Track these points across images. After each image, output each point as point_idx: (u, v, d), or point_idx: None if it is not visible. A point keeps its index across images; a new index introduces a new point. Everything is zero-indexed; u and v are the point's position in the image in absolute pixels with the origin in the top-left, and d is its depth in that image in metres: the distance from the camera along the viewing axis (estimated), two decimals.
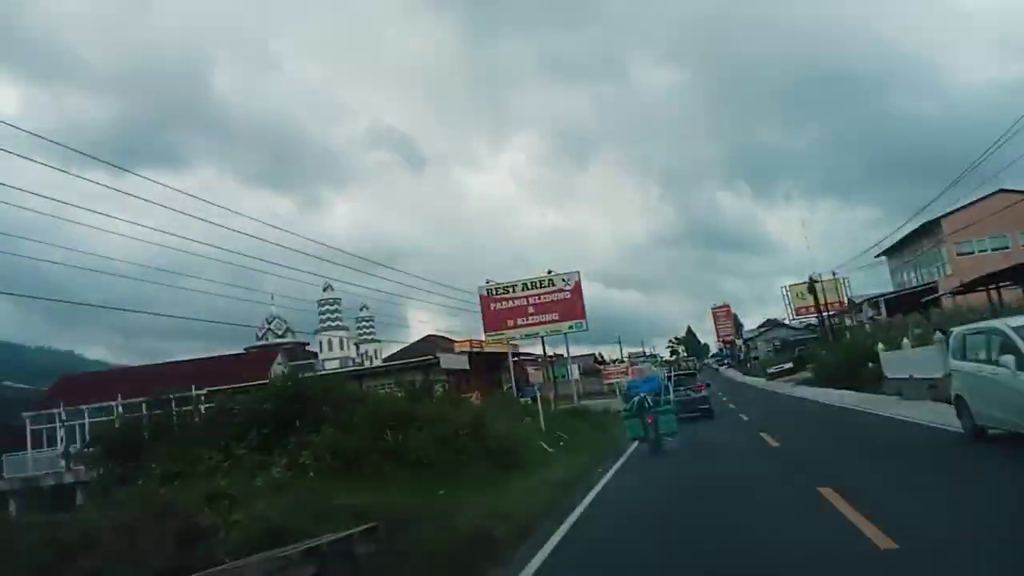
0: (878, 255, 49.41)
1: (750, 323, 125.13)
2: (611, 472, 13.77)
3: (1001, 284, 26.08)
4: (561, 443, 18.28)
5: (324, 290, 57.84)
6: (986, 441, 10.20)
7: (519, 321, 34.81)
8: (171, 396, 20.37)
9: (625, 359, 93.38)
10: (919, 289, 40.80)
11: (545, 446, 16.64)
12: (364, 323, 66.81)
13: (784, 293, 66.76)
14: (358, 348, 65.63)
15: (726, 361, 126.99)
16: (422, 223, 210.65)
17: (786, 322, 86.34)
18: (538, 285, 34.79)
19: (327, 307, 58.21)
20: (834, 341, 45.07)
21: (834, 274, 51.56)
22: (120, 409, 34.09)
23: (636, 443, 18.19)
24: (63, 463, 33.04)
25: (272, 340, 61.67)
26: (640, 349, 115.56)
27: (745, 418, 23.65)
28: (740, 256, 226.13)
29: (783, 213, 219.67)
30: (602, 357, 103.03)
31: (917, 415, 15.50)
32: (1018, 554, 5.04)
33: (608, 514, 9.59)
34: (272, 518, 8.67)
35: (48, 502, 29.00)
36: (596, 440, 19.72)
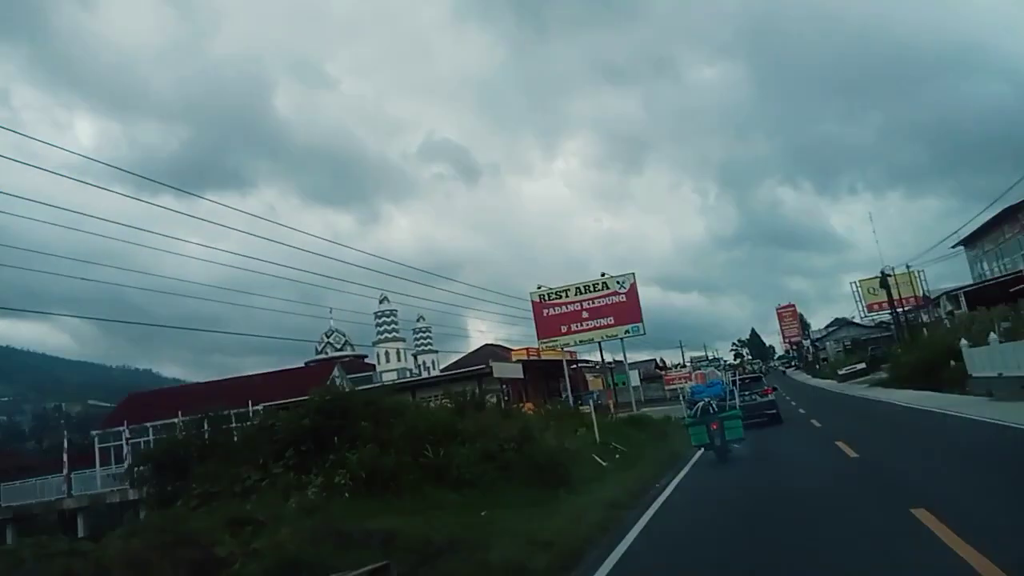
0: (955, 245, 46.39)
1: (817, 323, 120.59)
2: (670, 488, 12.63)
3: None
4: (617, 455, 17.16)
5: (380, 302, 57.88)
6: None
7: (573, 327, 33.85)
8: (219, 413, 20.06)
9: (687, 364, 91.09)
10: (1006, 279, 37.84)
11: (599, 459, 15.57)
12: (421, 334, 66.73)
13: (855, 289, 63.57)
14: (416, 359, 65.55)
15: (793, 363, 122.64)
16: (478, 233, 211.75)
17: (856, 320, 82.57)
18: (592, 288, 33.74)
19: (384, 319, 58.17)
20: (910, 339, 42.40)
21: (908, 267, 48.68)
22: (181, 426, 34.44)
23: (698, 455, 17.15)
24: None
25: (331, 354, 62.14)
26: (702, 353, 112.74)
27: (817, 424, 21.98)
28: (804, 254, 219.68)
29: (848, 207, 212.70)
30: (663, 362, 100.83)
31: (1015, 418, 13.88)
32: None
33: (664, 540, 8.53)
34: (290, 548, 7.96)
35: (115, 519, 29.41)
36: (655, 451, 18.51)
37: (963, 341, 25.56)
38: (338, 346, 62.23)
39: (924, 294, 51.93)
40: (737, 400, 17.07)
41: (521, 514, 10.64)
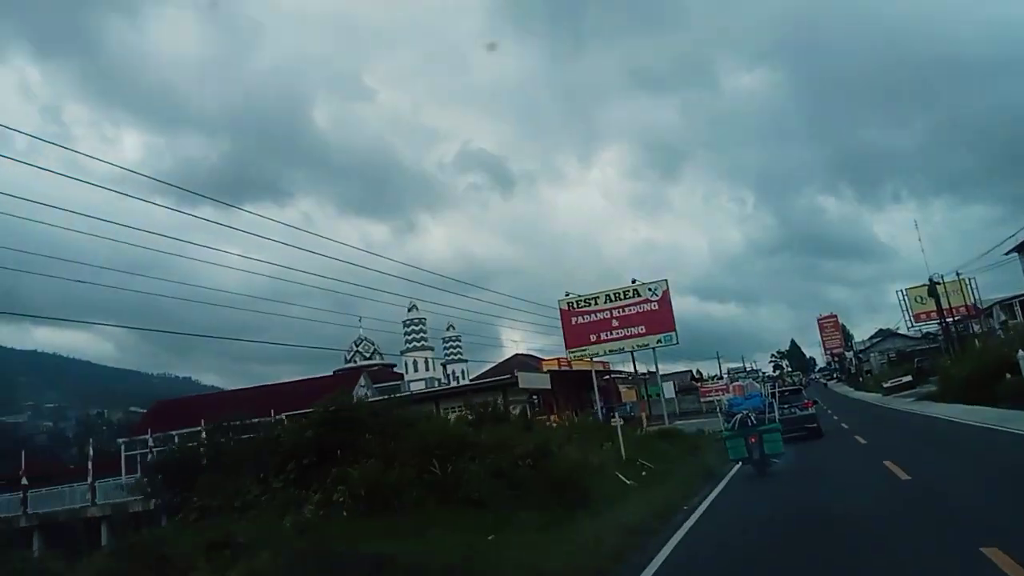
0: (1008, 252, 44.00)
1: (860, 334, 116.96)
2: (699, 510, 11.50)
3: None
4: (644, 472, 16.02)
5: (409, 310, 57.28)
6: None
7: (603, 335, 32.66)
8: (230, 423, 19.42)
9: (724, 375, 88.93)
10: None
11: (622, 477, 14.45)
12: (451, 343, 66.02)
13: (901, 298, 60.80)
14: (445, 368, 64.82)
15: (835, 375, 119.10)
16: (513, 243, 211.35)
17: (900, 331, 79.66)
18: (622, 296, 32.54)
19: (412, 327, 57.56)
20: (961, 350, 40.28)
21: (958, 275, 46.25)
22: (204, 435, 34.15)
23: (730, 473, 16.10)
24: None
25: (360, 363, 61.74)
26: (740, 364, 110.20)
27: (862, 441, 20.50)
28: (846, 263, 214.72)
29: (891, 215, 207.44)
30: (700, 374, 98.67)
31: None
32: None
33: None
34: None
35: (134, 527, 29.07)
36: (685, 468, 17.28)
37: (1020, 352, 23.91)
38: (367, 355, 61.81)
39: (975, 303, 49.43)
40: (777, 413, 16.49)
41: (531, 539, 9.64)
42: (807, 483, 13.44)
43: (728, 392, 56.81)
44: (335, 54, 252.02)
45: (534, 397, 53.65)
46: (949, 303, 44.29)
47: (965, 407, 26.63)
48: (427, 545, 9.44)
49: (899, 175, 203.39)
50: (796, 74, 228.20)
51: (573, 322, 32.66)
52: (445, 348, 66.36)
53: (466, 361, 65.58)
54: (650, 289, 32.06)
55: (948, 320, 44.98)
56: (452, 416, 22.54)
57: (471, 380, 51.35)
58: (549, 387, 37.31)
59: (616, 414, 53.96)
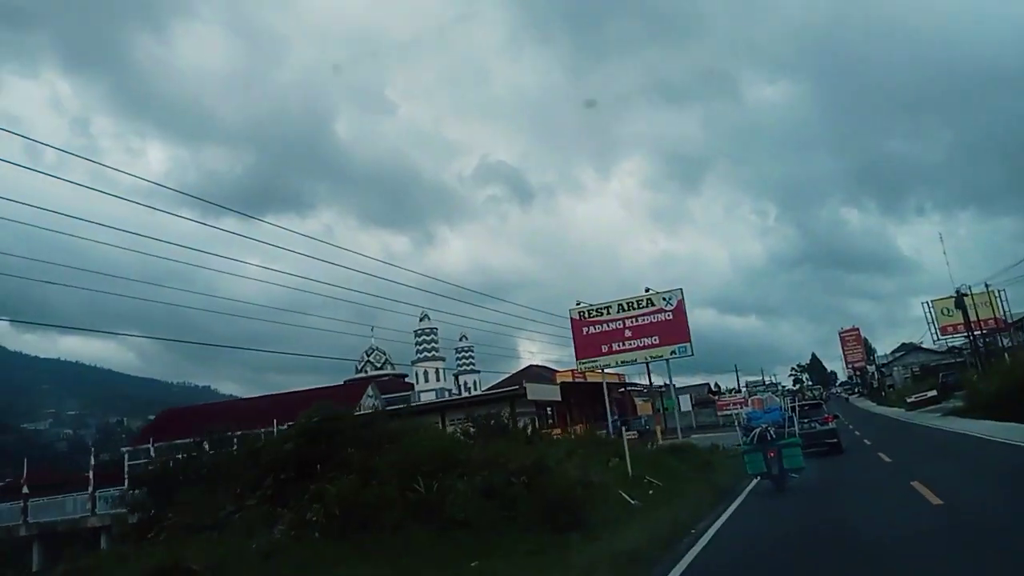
0: None
1: (882, 348, 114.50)
2: (707, 535, 10.47)
3: None
4: (651, 491, 14.95)
5: (421, 320, 56.68)
6: None
7: (615, 346, 31.60)
8: (221, 434, 18.67)
9: (742, 388, 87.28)
10: None
11: (626, 496, 13.40)
12: (463, 353, 65.25)
13: (927, 310, 58.86)
14: (457, 379, 64.01)
15: (856, 389, 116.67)
16: (531, 254, 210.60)
17: (924, 346, 77.62)
18: (635, 305, 31.48)
19: (423, 337, 56.97)
20: (990, 364, 38.69)
21: (987, 287, 44.57)
22: (206, 446, 33.49)
23: (744, 493, 15.06)
24: None
25: (371, 372, 61.12)
26: (759, 378, 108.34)
27: (887, 459, 19.25)
28: (868, 276, 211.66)
29: (916, 228, 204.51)
30: (718, 387, 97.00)
31: None
32: None
33: None
34: None
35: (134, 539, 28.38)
36: (696, 486, 16.17)
37: None
38: (378, 365, 61.24)
39: (1005, 316, 47.63)
40: (796, 427, 15.84)
41: (518, 566, 8.71)
42: (826, 507, 12.32)
43: (747, 405, 55.37)
44: (358, 69, 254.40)
45: (548, 409, 52.63)
46: (977, 315, 42.69)
47: (995, 424, 25.26)
48: (402, 573, 8.53)
49: (923, 187, 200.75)
50: (819, 85, 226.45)
51: (584, 332, 31.64)
52: (458, 359, 65.62)
53: (478, 372, 64.82)
54: (664, 298, 30.97)
55: (976, 333, 43.35)
56: (455, 429, 21.64)
57: (483, 391, 50.45)
58: (559, 399, 36.23)
59: (629, 427, 52.68)
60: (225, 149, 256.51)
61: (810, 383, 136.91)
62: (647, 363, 34.18)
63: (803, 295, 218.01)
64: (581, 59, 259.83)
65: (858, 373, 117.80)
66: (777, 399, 58.20)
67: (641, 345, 30.88)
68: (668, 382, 34.62)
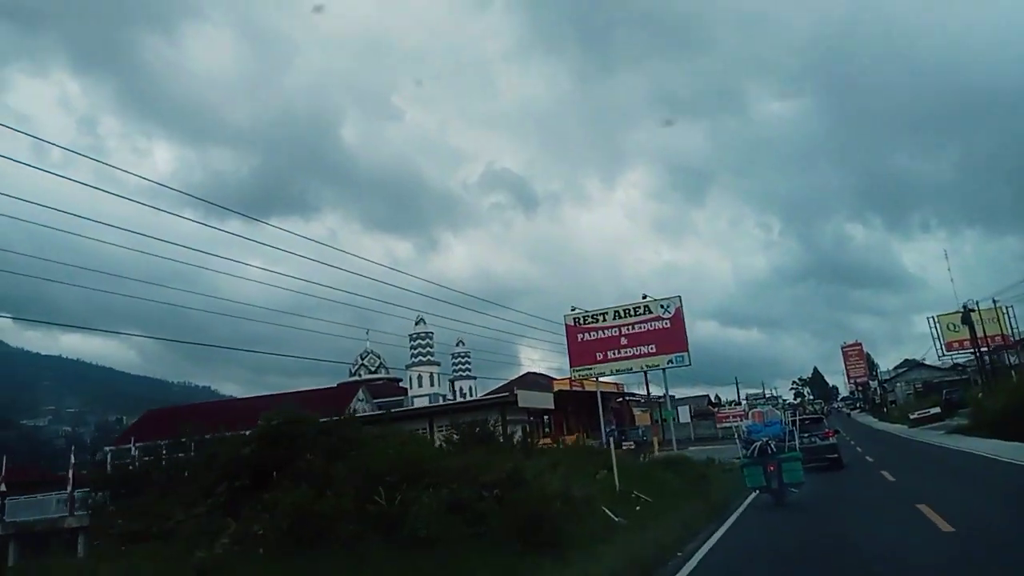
0: None
1: (884, 364, 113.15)
2: (696, 558, 9.59)
3: None
4: (638, 507, 14.02)
5: (416, 323, 55.69)
6: None
7: (610, 354, 30.63)
8: (191, 436, 17.77)
9: (742, 401, 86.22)
10: None
11: (609, 513, 12.46)
12: (459, 359, 64.20)
13: (932, 325, 57.65)
14: (452, 385, 62.98)
15: (858, 405, 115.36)
16: (535, 262, 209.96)
17: (927, 362, 76.58)
18: (632, 312, 30.53)
19: (418, 341, 55.93)
20: (996, 382, 37.66)
21: (995, 303, 43.48)
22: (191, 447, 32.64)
23: (740, 510, 14.17)
24: None
25: (364, 376, 60.19)
26: (760, 391, 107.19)
27: (890, 478, 18.26)
28: (872, 292, 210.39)
29: (920, 245, 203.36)
30: (718, 399, 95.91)
31: None
32: None
33: None
34: None
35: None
36: (688, 503, 15.19)
37: None
38: (372, 368, 60.33)
39: (1012, 333, 46.49)
40: (797, 441, 15.63)
41: None
42: (826, 532, 11.35)
43: (747, 418, 54.30)
44: (365, 74, 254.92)
45: (546, 417, 51.57)
46: (984, 332, 41.64)
47: (1002, 443, 24.28)
48: None
49: (929, 204, 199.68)
50: (826, 101, 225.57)
51: (579, 339, 30.71)
52: (454, 364, 64.54)
53: (474, 378, 63.71)
54: (662, 306, 30.05)
55: (982, 349, 42.29)
56: (441, 436, 20.73)
57: (474, 398, 49.46)
58: (551, 407, 35.26)
59: (626, 438, 51.53)
60: (231, 151, 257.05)
61: (811, 397, 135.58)
62: (645, 372, 33.27)
63: (806, 309, 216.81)
64: (589, 70, 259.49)
65: (860, 388, 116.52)
66: (778, 412, 57.15)
67: (637, 354, 29.94)
68: (665, 392, 33.60)
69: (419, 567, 8.59)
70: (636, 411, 75.05)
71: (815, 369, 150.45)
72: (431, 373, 53.00)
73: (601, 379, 51.09)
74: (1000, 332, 45.82)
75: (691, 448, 41.60)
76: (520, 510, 10.14)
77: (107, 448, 38.41)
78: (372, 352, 60.09)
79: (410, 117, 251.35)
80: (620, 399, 72.28)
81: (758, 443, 14.53)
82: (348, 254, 73.84)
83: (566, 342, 30.99)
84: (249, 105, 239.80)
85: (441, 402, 48.04)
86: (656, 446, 38.19)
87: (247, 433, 12.41)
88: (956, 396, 48.86)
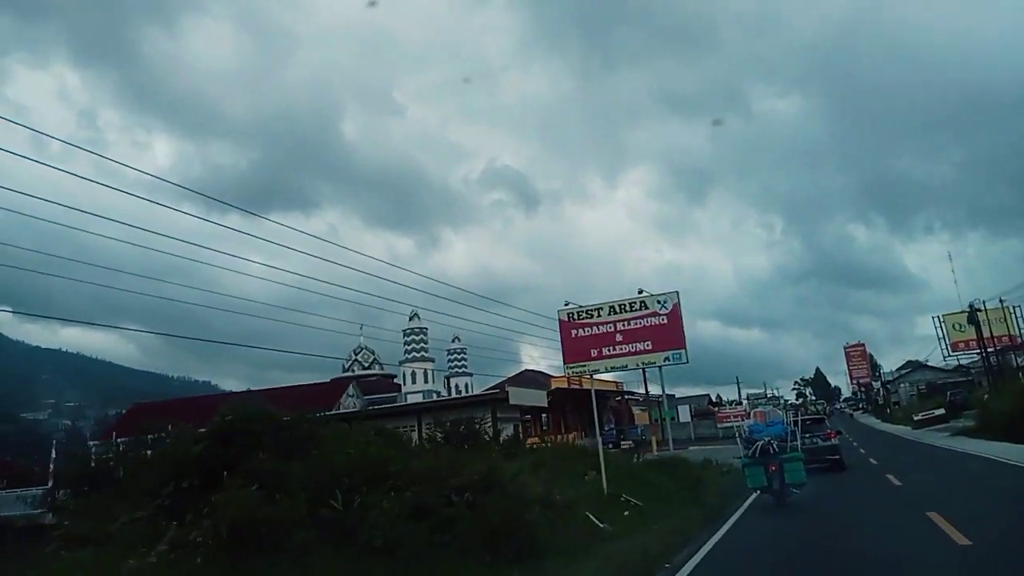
0: None
1: (887, 365, 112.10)
2: (686, 569, 8.65)
3: None
4: (626, 512, 13.10)
5: (411, 319, 54.73)
6: None
7: (605, 351, 29.62)
8: (159, 432, 16.88)
9: (743, 401, 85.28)
10: None
11: (594, 518, 11.52)
12: (455, 355, 63.29)
13: (938, 325, 56.50)
14: (448, 381, 62.06)
15: (861, 405, 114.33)
16: (535, 260, 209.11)
17: (930, 363, 75.59)
18: (628, 308, 29.52)
19: (412, 337, 54.92)
20: (1003, 383, 36.67)
21: (1002, 302, 42.44)
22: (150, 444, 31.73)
23: (737, 516, 13.30)
24: None
25: (358, 371, 59.28)
26: (761, 391, 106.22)
27: (896, 482, 17.28)
28: (875, 293, 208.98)
29: (923, 246, 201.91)
30: (719, 399, 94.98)
31: None
32: None
33: None
34: None
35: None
36: (681, 508, 14.26)
37: None
38: (366, 364, 59.41)
39: (1020, 334, 45.42)
40: (799, 442, 15.46)
41: None
42: (827, 544, 10.38)
43: (748, 418, 53.30)
44: (367, 69, 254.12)
45: (544, 415, 50.60)
46: (991, 332, 40.61)
47: (1010, 446, 23.34)
48: None
49: (932, 206, 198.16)
50: (830, 101, 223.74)
51: (573, 335, 29.72)
52: (449, 361, 63.61)
53: (471, 375, 62.82)
54: (659, 301, 29.06)
55: (989, 350, 41.24)
56: (427, 434, 19.79)
57: (465, 395, 48.49)
58: (544, 405, 34.31)
59: (625, 437, 50.54)
60: (231, 145, 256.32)
61: (813, 398, 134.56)
62: (642, 369, 32.35)
63: (808, 310, 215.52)
64: (591, 67, 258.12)
65: (863, 389, 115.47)
66: (780, 412, 56.25)
67: (633, 350, 28.94)
68: (662, 391, 32.65)
69: None
70: (635, 410, 74.19)
71: (817, 369, 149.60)
72: (425, 369, 52.05)
73: (601, 377, 50.38)
74: (1007, 332, 44.79)
75: (691, 448, 40.63)
76: (492, 516, 9.23)
77: (92, 443, 37.47)
78: (366, 347, 59.17)
79: (411, 113, 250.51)
80: (619, 398, 71.37)
81: (760, 443, 14.27)
82: (348, 250, 73.01)
83: (560, 338, 30.01)
84: (249, 99, 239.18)
85: (435, 399, 47.18)
86: (655, 445, 37.30)
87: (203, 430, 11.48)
88: (960, 398, 47.94)
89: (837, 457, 22.12)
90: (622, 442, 52.81)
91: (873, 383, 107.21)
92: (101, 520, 10.58)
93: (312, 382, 50.40)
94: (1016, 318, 45.51)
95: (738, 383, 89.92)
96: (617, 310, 29.41)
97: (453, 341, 61.14)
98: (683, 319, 29.48)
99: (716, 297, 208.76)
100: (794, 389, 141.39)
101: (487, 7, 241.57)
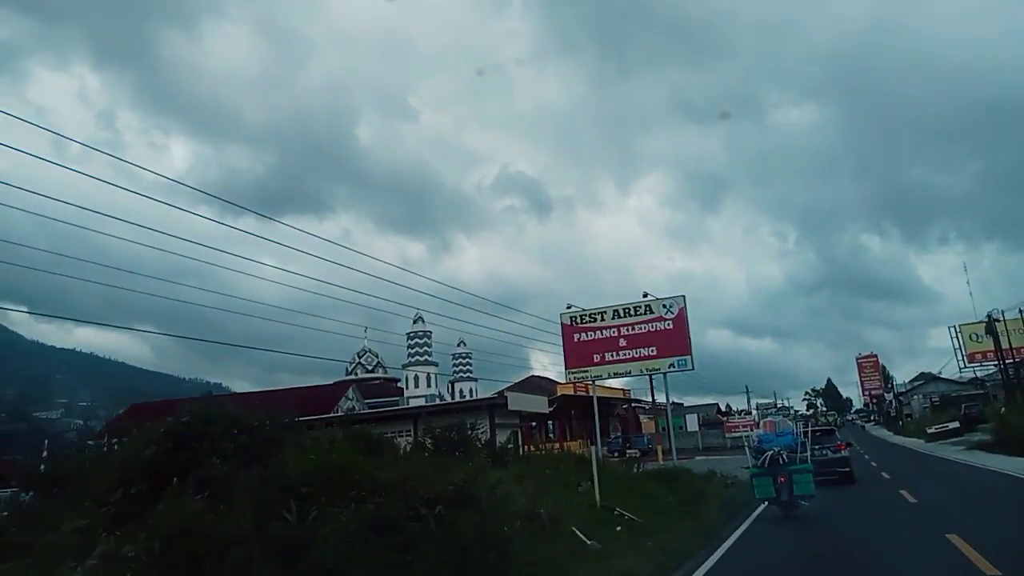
0: None
1: (899, 377, 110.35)
2: None
3: None
4: (619, 527, 12.14)
5: (415, 322, 53.97)
6: None
7: (607, 356, 28.60)
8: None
9: (753, 411, 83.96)
10: None
11: (581, 535, 10.58)
12: (460, 360, 62.48)
13: (954, 335, 54.92)
14: (452, 386, 61.26)
15: (872, 417, 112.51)
16: (547, 266, 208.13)
17: (943, 376, 74.03)
18: (632, 312, 28.50)
19: (416, 340, 54.15)
20: (1022, 396, 35.37)
21: (1021, 313, 41.05)
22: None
23: (738, 534, 12.34)
24: None
25: (361, 375, 58.53)
26: (771, 400, 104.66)
27: (911, 499, 16.22)
28: (888, 304, 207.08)
29: (938, 257, 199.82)
30: (729, 408, 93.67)
31: None
32: None
33: None
34: None
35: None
36: (681, 522, 13.27)
37: None
38: (370, 367, 58.66)
39: None
40: (809, 453, 15.15)
41: None
42: (837, 572, 9.40)
43: (757, 428, 52.12)
44: (383, 75, 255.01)
45: (550, 422, 49.62)
46: (1010, 343, 39.27)
47: None
48: None
49: (948, 217, 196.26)
50: (846, 111, 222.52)
51: (576, 339, 28.77)
52: (454, 365, 62.80)
53: (475, 380, 61.99)
54: (664, 306, 28.06)
55: (1008, 362, 39.85)
56: (406, 439, 18.90)
57: (465, 400, 47.52)
58: (545, 411, 33.35)
59: (623, 444, 49.36)
60: (247, 148, 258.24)
61: (824, 408, 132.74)
62: (650, 377, 31.36)
63: (820, 320, 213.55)
64: (605, 75, 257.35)
65: (874, 401, 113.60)
66: (790, 423, 55.00)
67: (637, 356, 27.94)
68: (667, 398, 31.61)
69: None
70: (643, 418, 73.05)
71: (829, 380, 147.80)
72: (429, 373, 51.20)
73: (607, 383, 49.28)
74: None
75: (697, 458, 39.51)
76: (464, 532, 8.31)
77: (89, 443, 36.79)
78: (370, 351, 58.44)
79: (426, 118, 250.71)
80: (626, 406, 70.25)
81: (769, 453, 14.13)
82: (360, 254, 72.38)
83: (562, 342, 29.07)
84: (266, 102, 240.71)
85: (436, 403, 46.28)
86: (660, 455, 36.29)
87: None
88: (975, 411, 46.75)
89: (847, 469, 21.59)
90: (628, 451, 51.81)
91: (885, 395, 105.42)
92: (44, 528, 9.75)
93: (310, 385, 49.51)
94: None
95: (748, 392, 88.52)
96: (621, 314, 28.44)
97: (458, 345, 60.39)
98: (693, 326, 28.53)
99: (728, 306, 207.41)
100: (805, 400, 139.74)
101: (503, 13, 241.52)
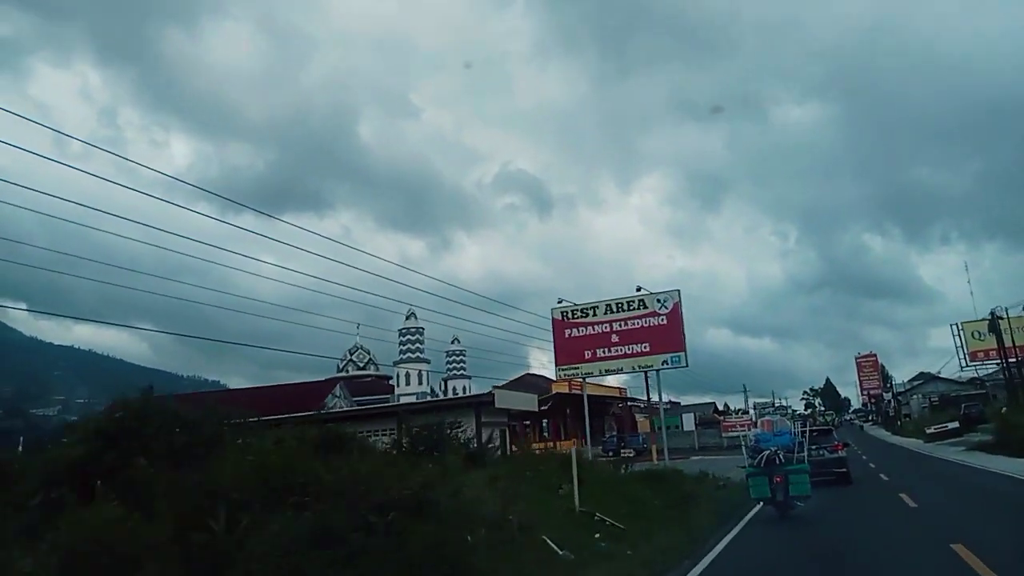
0: None
1: (898, 377, 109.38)
2: None
3: None
4: (598, 535, 11.26)
5: (407, 318, 53.10)
6: None
7: (599, 352, 27.74)
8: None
9: (750, 410, 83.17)
10: None
11: (553, 545, 9.70)
12: (454, 357, 61.63)
13: (956, 333, 53.96)
14: (445, 384, 60.41)
15: (871, 417, 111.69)
16: (547, 264, 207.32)
17: (943, 375, 73.26)
18: (625, 307, 27.64)
19: (408, 336, 53.28)
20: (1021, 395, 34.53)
21: None
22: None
23: (726, 542, 11.52)
24: None
25: (352, 371, 57.65)
26: (769, 400, 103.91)
27: (911, 503, 15.33)
28: (888, 304, 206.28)
29: (939, 257, 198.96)
30: (726, 407, 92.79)
31: None
32: None
33: None
34: None
35: None
36: (666, 529, 12.41)
37: None
38: (361, 364, 57.78)
39: None
40: (806, 453, 14.88)
41: None
42: None
43: (754, 427, 51.30)
44: (384, 71, 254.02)
45: (545, 421, 48.78)
46: (1013, 341, 38.42)
47: None
48: None
49: (949, 216, 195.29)
50: (847, 110, 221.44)
51: (567, 335, 27.93)
52: (448, 363, 61.94)
53: (469, 378, 61.14)
54: (659, 301, 27.21)
55: (1011, 360, 38.99)
56: (380, 439, 18.07)
57: (450, 397, 46.66)
58: (535, 409, 32.49)
59: (618, 443, 48.46)
60: (248, 145, 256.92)
61: (822, 408, 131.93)
62: (644, 375, 30.50)
63: (820, 319, 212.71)
64: (607, 73, 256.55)
65: (873, 400, 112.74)
66: (788, 423, 54.18)
67: (630, 352, 27.11)
68: (659, 396, 30.76)
69: None
70: (639, 417, 72.16)
71: (827, 380, 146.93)
72: (420, 371, 50.32)
73: (603, 381, 48.52)
74: None
75: (692, 458, 38.73)
76: (416, 543, 7.46)
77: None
78: (362, 347, 57.57)
79: (427, 116, 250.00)
80: (621, 404, 69.39)
81: (766, 452, 13.92)
82: (358, 251, 71.49)
83: (553, 338, 28.22)
84: (267, 100, 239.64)
85: (425, 400, 45.39)
86: (655, 454, 35.43)
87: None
88: (975, 411, 46.04)
89: (844, 470, 21.04)
90: (622, 450, 50.93)
91: (884, 395, 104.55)
92: None
93: (289, 382, 48.65)
94: None
95: (745, 392, 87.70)
96: (614, 309, 27.60)
97: (452, 343, 59.52)
98: (692, 325, 27.74)
99: (727, 305, 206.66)
100: (803, 399, 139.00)
101: (505, 11, 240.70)
